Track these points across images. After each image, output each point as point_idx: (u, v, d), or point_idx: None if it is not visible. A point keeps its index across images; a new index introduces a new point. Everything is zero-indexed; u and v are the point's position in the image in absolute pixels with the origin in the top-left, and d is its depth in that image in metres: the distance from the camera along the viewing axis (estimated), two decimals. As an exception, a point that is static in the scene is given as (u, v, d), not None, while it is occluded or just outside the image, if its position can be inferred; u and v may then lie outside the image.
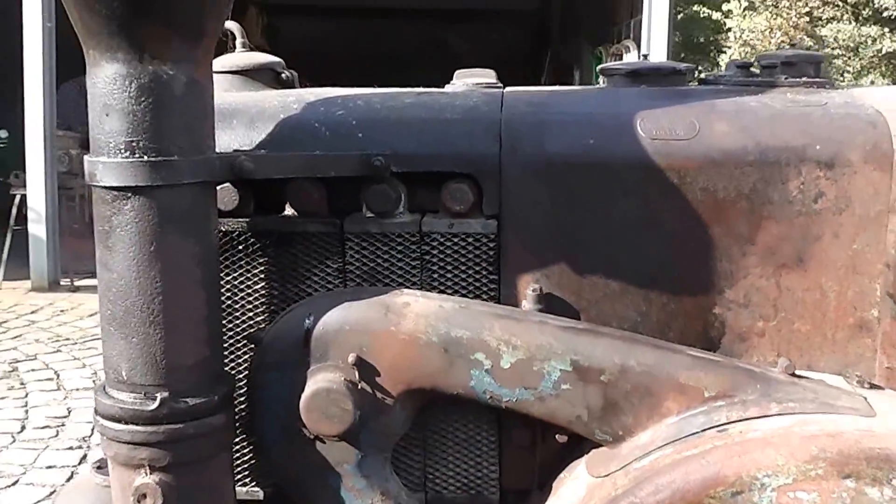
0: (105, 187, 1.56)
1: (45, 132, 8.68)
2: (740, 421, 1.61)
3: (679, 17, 14.95)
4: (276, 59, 2.11)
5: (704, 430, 1.61)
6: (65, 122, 9.55)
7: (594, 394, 1.66)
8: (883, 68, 13.97)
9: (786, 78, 1.94)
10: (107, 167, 1.54)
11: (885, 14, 13.77)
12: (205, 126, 1.62)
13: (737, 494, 1.48)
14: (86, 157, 1.60)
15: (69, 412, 5.82)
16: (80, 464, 5.03)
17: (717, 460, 1.53)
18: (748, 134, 1.79)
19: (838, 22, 14.15)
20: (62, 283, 9.04)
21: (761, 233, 1.78)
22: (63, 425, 5.60)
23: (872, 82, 13.88)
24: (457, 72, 2.07)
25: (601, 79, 2.08)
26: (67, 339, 7.43)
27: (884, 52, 13.73)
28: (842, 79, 14.20)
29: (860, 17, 14.39)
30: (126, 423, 1.61)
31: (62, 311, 8.29)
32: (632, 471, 1.60)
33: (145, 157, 1.53)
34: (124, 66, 1.52)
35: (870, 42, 13.87)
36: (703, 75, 2.16)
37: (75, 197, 9.49)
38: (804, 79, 1.94)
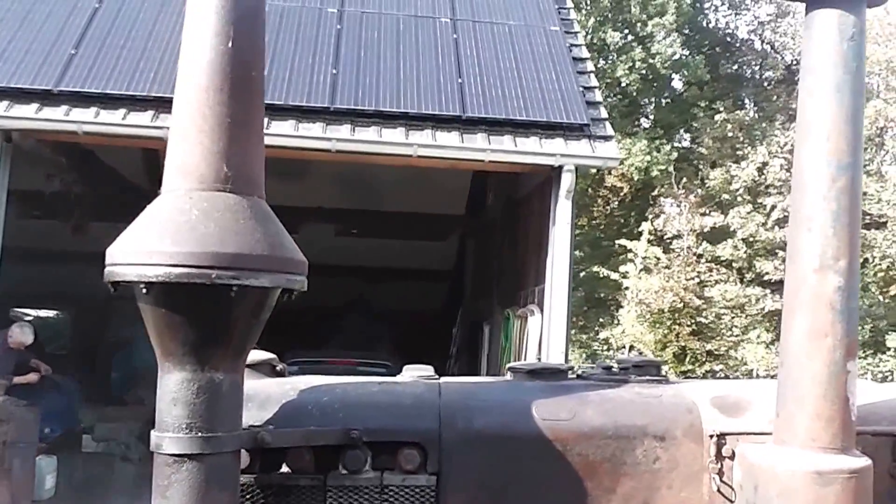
0: (168, 454, 2.27)
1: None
2: None
3: (581, 274, 16.30)
4: (272, 355, 2.91)
5: None
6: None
7: None
8: (767, 324, 15.34)
9: (635, 376, 2.83)
10: (171, 440, 2.26)
11: (765, 278, 15.34)
12: (238, 412, 2.38)
13: None
14: (153, 432, 2.32)
15: None
16: None
17: None
18: (608, 416, 2.63)
19: (724, 283, 15.61)
20: (-20, 530, 9.11)
21: (619, 485, 2.59)
22: None
23: (758, 336, 15.19)
24: (405, 367, 2.89)
25: (509, 374, 2.94)
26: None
27: (766, 310, 15.14)
28: (730, 333, 15.52)
29: (744, 280, 15.91)
30: None
31: (-17, 558, 8.35)
32: None
33: (199, 434, 2.26)
34: (190, 374, 2.27)
35: (753, 301, 15.31)
36: (579, 371, 3.03)
37: None
38: (647, 377, 2.83)
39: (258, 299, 2.29)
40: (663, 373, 2.92)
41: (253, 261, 2.22)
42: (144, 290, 2.21)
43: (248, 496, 2.53)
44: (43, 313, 15.56)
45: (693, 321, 15.07)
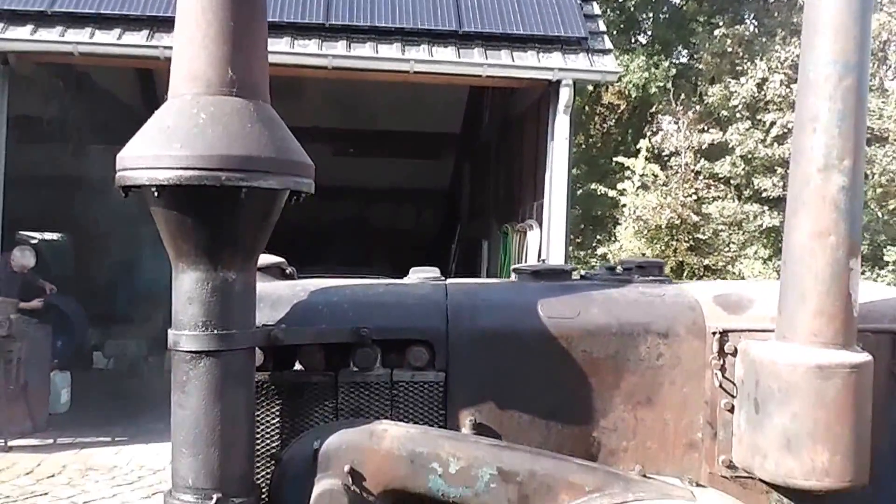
0: (186, 351, 2.32)
1: (-16, 298, 9.22)
2: (609, 506, 2.42)
3: (578, 192, 16.26)
4: (282, 259, 2.93)
5: (586, 513, 2.41)
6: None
7: (513, 490, 2.44)
8: (764, 240, 15.37)
9: (638, 276, 2.86)
10: (188, 338, 2.31)
11: (763, 194, 15.30)
12: (251, 310, 2.42)
13: (606, 552, 2.27)
14: (170, 331, 2.36)
15: (21, 563, 6.18)
16: None
17: (593, 530, 2.32)
18: (612, 314, 2.67)
19: (722, 200, 15.58)
20: (-5, 443, 9.33)
21: (623, 381, 2.64)
22: (17, 574, 5.96)
23: (755, 252, 15.25)
24: (411, 269, 2.92)
25: (513, 275, 2.97)
26: (8, 496, 7.72)
27: (764, 226, 15.15)
28: (727, 249, 15.57)
29: (742, 196, 15.87)
30: (190, 517, 2.32)
31: None
32: (538, 542, 2.38)
33: (215, 332, 2.31)
34: (203, 274, 2.30)
35: (751, 218, 15.30)
36: (583, 272, 3.06)
37: (13, 360, 9.85)
38: (650, 277, 2.86)
39: (267, 201, 2.31)
40: (666, 273, 2.94)
41: (261, 163, 2.24)
42: (156, 194, 2.23)
43: (263, 393, 2.59)
44: (48, 236, 15.60)
45: (690, 237, 15.07)
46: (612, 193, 14.92)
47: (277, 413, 2.60)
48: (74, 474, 8.49)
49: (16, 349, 9.85)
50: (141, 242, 11.82)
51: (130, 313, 12.89)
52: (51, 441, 9.69)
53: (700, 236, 15.20)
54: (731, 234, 15.39)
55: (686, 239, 15.07)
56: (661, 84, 17.30)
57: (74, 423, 10.35)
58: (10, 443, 9.35)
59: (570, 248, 12.21)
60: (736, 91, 15.32)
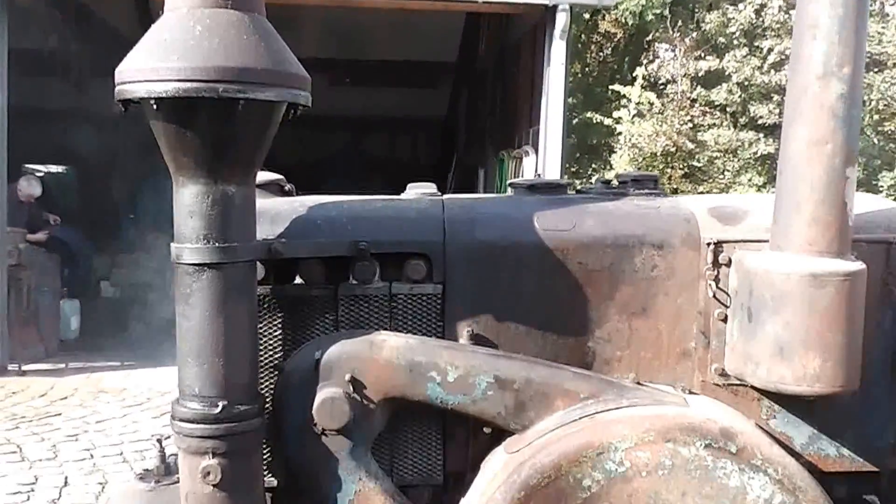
0: (188, 264, 2.30)
1: (-5, 228, 9.21)
2: (603, 412, 2.42)
3: (574, 121, 16.11)
4: (280, 175, 2.90)
5: (580, 418, 2.42)
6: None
7: (509, 397, 2.46)
8: (759, 168, 15.28)
9: (633, 189, 2.83)
10: (190, 251, 2.29)
11: (759, 122, 15.17)
12: (252, 224, 2.40)
13: (600, 454, 2.28)
14: (172, 245, 2.34)
15: (36, 479, 6.27)
16: (53, 521, 5.52)
17: (587, 434, 2.33)
18: (607, 226, 2.65)
19: (718, 128, 15.45)
20: (10, 367, 9.41)
21: (618, 292, 2.63)
22: (32, 490, 6.05)
23: (750, 180, 15.18)
24: (408, 185, 2.89)
25: (508, 189, 2.94)
26: (24, 416, 7.83)
27: (759, 154, 15.04)
28: (722, 176, 15.50)
29: (738, 124, 15.74)
30: (197, 423, 2.32)
31: (14, 392, 8.67)
32: (534, 446, 2.39)
33: (216, 245, 2.29)
34: (203, 187, 2.27)
35: (747, 145, 15.18)
36: (579, 187, 3.03)
37: (23, 288, 9.89)
38: (645, 190, 2.83)
39: (265, 113, 2.28)
40: (661, 186, 2.92)
41: (258, 75, 2.20)
42: (154, 107, 2.19)
43: (264, 306, 2.58)
44: (52, 169, 15.51)
45: (685, 165, 14.98)
46: (607, 122, 14.77)
47: (279, 325, 2.60)
48: (86, 396, 8.59)
49: (25, 277, 9.91)
50: (144, 173, 11.77)
51: (136, 243, 12.89)
52: (62, 365, 9.80)
53: (695, 164, 15.11)
54: (725, 162, 15.29)
55: (681, 166, 14.98)
56: (658, 11, 16.97)
57: (85, 349, 10.46)
58: (24, 367, 9.46)
59: (566, 177, 12.13)
60: (733, 17, 15.06)
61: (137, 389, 8.84)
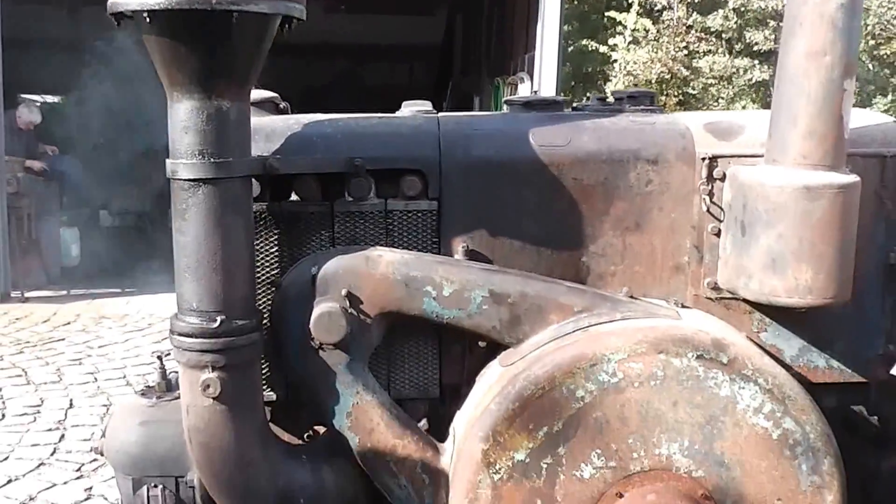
0: (184, 180, 2.27)
1: (-6, 157, 9.14)
2: (596, 325, 2.43)
3: (569, 49, 15.89)
4: (275, 94, 2.85)
5: (574, 331, 2.42)
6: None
7: (504, 311, 2.45)
8: (753, 95, 15.16)
9: (629, 106, 2.79)
10: (185, 166, 2.26)
11: (755, 48, 14.99)
12: (247, 140, 2.36)
13: (593, 366, 2.29)
14: (168, 161, 2.31)
15: (42, 401, 6.34)
16: (59, 441, 5.58)
17: (581, 346, 2.33)
18: (602, 142, 2.61)
19: (713, 55, 15.28)
20: (13, 295, 9.44)
21: (612, 207, 2.61)
22: (39, 412, 6.11)
23: (744, 107, 15.06)
24: (403, 103, 2.85)
25: (504, 106, 2.90)
26: (28, 342, 7.88)
27: (753, 81, 14.91)
28: (716, 104, 15.37)
29: (733, 51, 15.55)
30: (196, 337, 2.32)
31: (17, 318, 8.71)
32: (528, 358, 2.40)
33: (212, 160, 2.26)
34: (198, 102, 2.23)
35: (741, 72, 15.03)
36: (574, 104, 2.98)
37: (23, 216, 9.86)
38: (641, 107, 2.79)
39: (259, 26, 2.23)
40: (657, 103, 2.87)
41: (251, -14, 2.14)
42: (148, 20, 2.15)
43: (261, 223, 2.56)
44: (48, 99, 15.33)
45: (680, 92, 14.85)
46: (603, 49, 14.61)
47: (276, 242, 2.58)
48: (88, 322, 8.63)
49: (24, 205, 9.87)
50: (142, 103, 11.62)
51: (134, 172, 12.81)
52: (64, 292, 9.83)
53: (690, 91, 14.98)
54: (720, 89, 15.17)
55: (676, 94, 14.85)
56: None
57: (86, 277, 10.48)
58: (27, 294, 9.49)
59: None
60: (731, -59, 14.78)
61: (138, 315, 8.88)
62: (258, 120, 2.59)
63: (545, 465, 2.31)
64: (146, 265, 9.72)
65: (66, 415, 6.07)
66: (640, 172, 2.59)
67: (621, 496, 2.31)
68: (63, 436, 5.69)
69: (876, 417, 2.79)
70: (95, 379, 6.88)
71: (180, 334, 2.35)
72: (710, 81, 15.01)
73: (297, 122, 2.65)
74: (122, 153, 13.45)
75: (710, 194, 2.55)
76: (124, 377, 6.87)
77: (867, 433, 2.79)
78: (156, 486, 2.65)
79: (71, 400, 6.37)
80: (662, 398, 2.29)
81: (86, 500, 4.79)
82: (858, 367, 2.60)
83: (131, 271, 10.30)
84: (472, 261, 2.55)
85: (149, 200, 12.44)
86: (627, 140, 2.61)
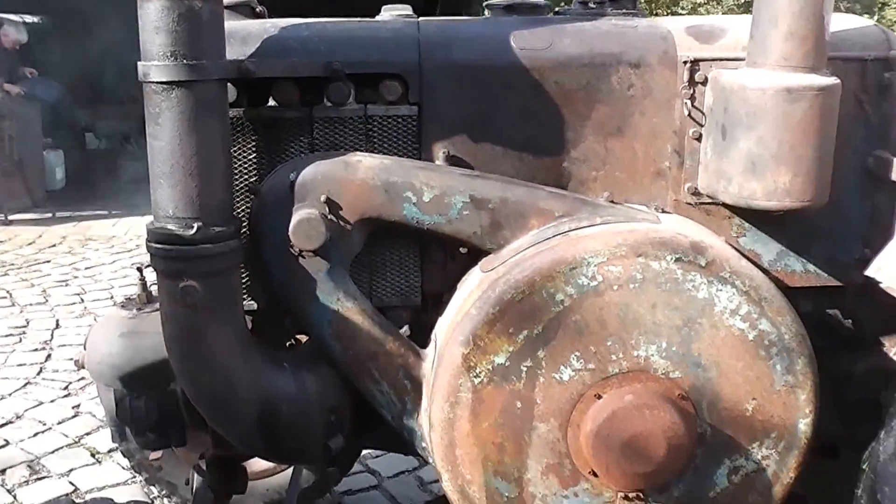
0: (156, 82, 2.22)
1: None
2: (577, 229, 2.42)
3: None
4: (251, -3, 2.78)
5: (554, 235, 2.41)
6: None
7: (485, 217, 2.44)
8: (741, 13, 14.97)
9: (611, 10, 2.73)
10: (157, 69, 2.21)
11: (744, -33, 14.75)
12: (221, 42, 2.30)
13: (573, 269, 2.28)
14: (139, 63, 2.26)
15: (27, 322, 6.35)
16: (46, 361, 5.61)
17: (561, 250, 2.32)
18: (584, 45, 2.57)
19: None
20: (-5, 217, 9.39)
21: (594, 112, 2.57)
22: (24, 333, 6.14)
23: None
24: (383, 7, 2.78)
25: (486, 11, 2.84)
26: (12, 264, 7.86)
27: (742, 1, 14.72)
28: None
29: (723, -32, 15.32)
30: (172, 245, 2.30)
31: (1, 241, 8.66)
32: (508, 263, 2.39)
33: (184, 62, 2.20)
34: (168, 1, 2.17)
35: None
36: (556, 9, 2.92)
37: (4, 137, 9.74)
38: (623, 10, 2.73)
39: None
40: (639, 6, 2.81)
41: None
42: None
43: (238, 129, 2.51)
44: (28, 18, 14.98)
45: (669, 11, 14.67)
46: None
47: (253, 149, 2.54)
48: (74, 244, 8.60)
49: (6, 127, 9.75)
50: (126, 22, 11.38)
51: (119, 94, 12.61)
52: (49, 215, 9.78)
53: (679, 10, 14.79)
54: (709, 9, 15.00)
55: (664, 12, 14.66)
56: None
57: (71, 199, 10.42)
58: (11, 217, 9.42)
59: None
60: None
61: (126, 237, 8.86)
62: (233, 23, 2.53)
63: (525, 368, 2.32)
64: (134, 187, 9.66)
65: (52, 335, 6.09)
66: (622, 76, 2.55)
67: (600, 397, 2.33)
68: (49, 355, 5.72)
69: (851, 321, 2.81)
70: (82, 300, 6.88)
71: (157, 242, 2.33)
72: (698, 1, 14.81)
73: (273, 25, 2.58)
74: (107, 74, 13.25)
75: (692, 98, 2.52)
76: (111, 297, 6.87)
77: (842, 336, 2.81)
78: (138, 398, 2.66)
79: (57, 321, 6.38)
80: (641, 301, 2.29)
81: (73, 417, 4.83)
82: (835, 272, 2.61)
83: (118, 193, 10.24)
84: (453, 166, 2.52)
85: (135, 122, 12.28)
86: (609, 44, 2.56)
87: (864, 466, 2.30)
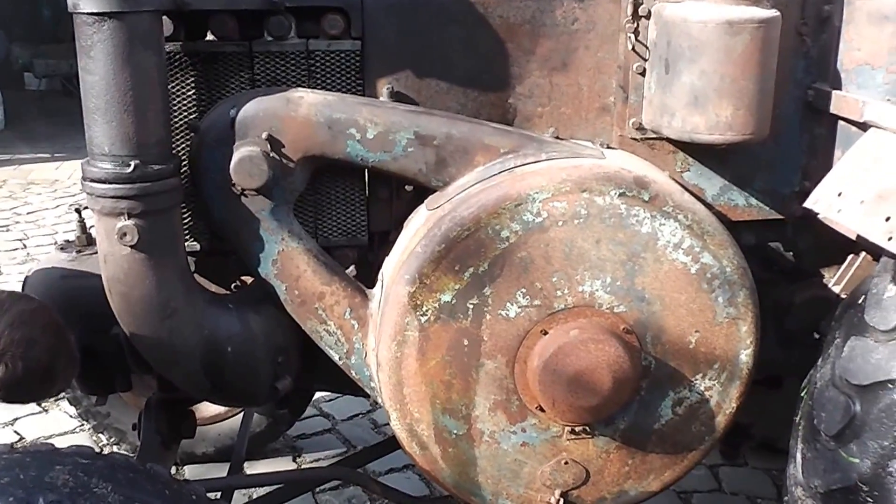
0: (87, 13, 2.12)
1: None
2: (522, 166, 2.39)
3: None
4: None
5: (500, 172, 2.38)
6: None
7: (430, 154, 2.40)
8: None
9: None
10: (88, -1, 2.11)
11: None
12: (154, -28, 2.20)
13: (518, 206, 2.26)
14: (67, -8, 2.15)
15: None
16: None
17: (506, 186, 2.30)
18: None
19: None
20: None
21: (539, 47, 2.53)
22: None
23: None
24: None
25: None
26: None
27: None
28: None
29: None
30: (109, 183, 2.22)
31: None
32: (454, 200, 2.36)
33: (116, -9, 2.11)
34: None
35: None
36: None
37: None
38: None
39: None
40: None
41: None
42: None
43: (175, 64, 2.43)
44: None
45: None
46: None
47: (192, 84, 2.46)
48: (15, 188, 8.37)
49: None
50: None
51: (59, 32, 12.20)
52: (-11, 158, 9.47)
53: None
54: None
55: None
56: None
57: (11, 141, 10.11)
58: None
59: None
60: None
61: (70, 181, 8.63)
62: (168, -45, 2.42)
63: (471, 306, 2.31)
64: (77, 129, 9.38)
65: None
66: (567, 10, 2.50)
67: (546, 333, 2.33)
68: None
69: (791, 253, 2.84)
70: (24, 245, 6.72)
71: (93, 181, 2.25)
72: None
73: None
74: (45, 11, 12.80)
75: (636, 32, 2.48)
76: (55, 243, 6.69)
77: (783, 268, 2.85)
78: (80, 343, 2.59)
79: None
80: (586, 236, 2.28)
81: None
82: (776, 204, 2.63)
83: (60, 136, 9.95)
84: (397, 102, 2.46)
85: (76, 62, 11.92)
86: None
87: (802, 394, 2.34)
